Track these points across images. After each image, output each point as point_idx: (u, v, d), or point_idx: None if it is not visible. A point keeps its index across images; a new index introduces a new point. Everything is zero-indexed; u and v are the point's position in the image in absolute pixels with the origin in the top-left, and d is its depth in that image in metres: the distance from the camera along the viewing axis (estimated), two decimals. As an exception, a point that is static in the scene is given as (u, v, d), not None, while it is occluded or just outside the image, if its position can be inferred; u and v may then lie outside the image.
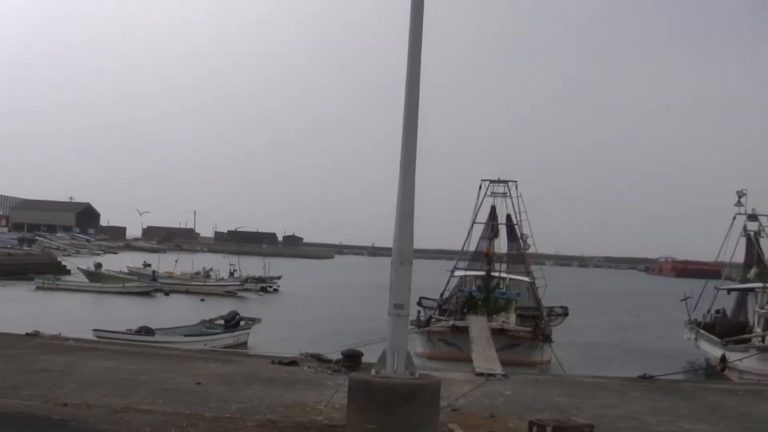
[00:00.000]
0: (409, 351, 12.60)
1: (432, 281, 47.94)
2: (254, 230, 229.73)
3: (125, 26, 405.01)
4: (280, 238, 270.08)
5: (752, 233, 50.27)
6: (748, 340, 40.02)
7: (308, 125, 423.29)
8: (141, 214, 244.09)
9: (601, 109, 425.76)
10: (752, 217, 50.03)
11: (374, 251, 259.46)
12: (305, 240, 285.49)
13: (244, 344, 40.24)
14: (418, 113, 12.74)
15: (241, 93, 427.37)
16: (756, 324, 42.33)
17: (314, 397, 15.71)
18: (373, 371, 12.47)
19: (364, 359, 19.32)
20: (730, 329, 43.98)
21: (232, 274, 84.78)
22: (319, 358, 21.20)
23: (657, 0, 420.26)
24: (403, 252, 12.52)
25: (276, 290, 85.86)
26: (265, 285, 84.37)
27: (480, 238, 48.19)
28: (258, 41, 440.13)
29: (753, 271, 48.98)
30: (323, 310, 64.64)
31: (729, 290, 49.68)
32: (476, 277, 45.21)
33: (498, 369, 22.88)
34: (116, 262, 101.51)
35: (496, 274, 44.90)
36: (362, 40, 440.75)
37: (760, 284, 44.15)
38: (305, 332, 45.81)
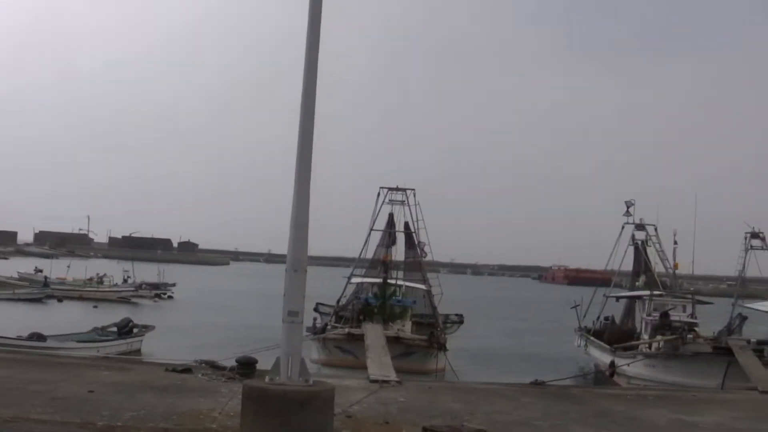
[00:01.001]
0: (304, 358, 12.63)
1: (329, 288, 47.93)
2: (149, 236, 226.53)
3: None
4: (175, 244, 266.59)
5: (640, 242, 51.65)
6: (636, 346, 41.07)
7: (196, 127, 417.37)
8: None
9: (500, 117, 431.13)
10: (640, 227, 51.41)
11: (270, 258, 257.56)
12: (201, 246, 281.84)
13: (138, 351, 39.66)
14: (314, 122, 12.79)
15: (144, 93, 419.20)
16: (643, 331, 43.46)
17: (208, 405, 15.58)
18: (267, 378, 12.46)
19: (258, 366, 19.26)
20: (618, 336, 45.08)
21: (125, 280, 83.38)
22: (213, 366, 21.04)
23: (545, 17, 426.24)
24: (298, 259, 12.55)
25: (170, 297, 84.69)
26: (159, 291, 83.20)
27: (377, 246, 48.32)
28: (140, 38, 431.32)
29: (641, 279, 50.30)
30: (218, 317, 64.07)
31: (618, 297, 50.88)
32: (373, 284, 45.32)
33: (392, 376, 23.00)
34: (6, 268, 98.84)
35: (393, 281, 45.09)
36: (259, 39, 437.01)
37: (648, 292, 45.36)
38: (199, 339, 45.34)
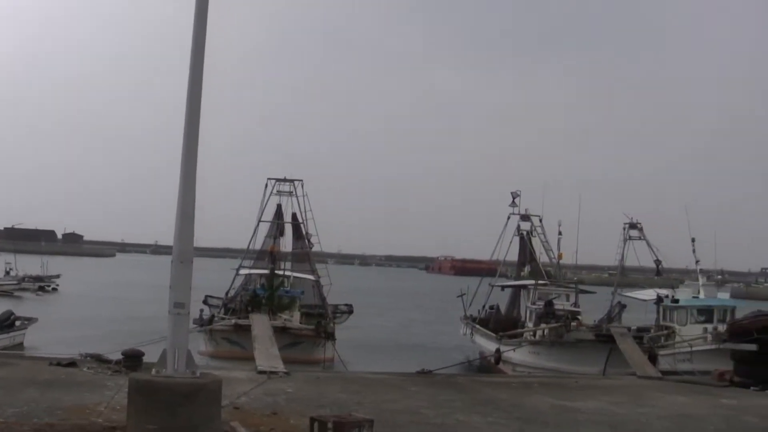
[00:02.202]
0: (191, 350, 12.55)
1: (218, 280, 47.54)
2: (32, 227, 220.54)
3: None
4: (59, 236, 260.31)
5: (525, 233, 52.66)
6: (521, 334, 41.92)
7: (80, 117, 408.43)
8: None
9: (385, 107, 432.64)
10: (525, 218, 52.42)
11: (157, 249, 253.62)
12: (86, 238, 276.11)
13: (20, 345, 38.73)
14: (200, 113, 12.71)
15: (26, 81, 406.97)
16: (528, 319, 44.41)
17: (94, 399, 15.39)
18: (153, 371, 12.35)
19: (145, 359, 19.06)
20: (503, 324, 45.97)
21: (8, 272, 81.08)
22: (99, 359, 20.75)
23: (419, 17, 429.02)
24: (184, 251, 12.47)
25: (55, 289, 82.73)
26: (43, 284, 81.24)
27: (266, 237, 48.06)
28: (22, 25, 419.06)
29: (526, 269, 51.32)
30: (103, 309, 62.90)
31: (503, 287, 51.78)
32: (261, 275, 45.13)
33: (280, 367, 23.02)
34: None
35: (281, 272, 44.96)
36: (146, 27, 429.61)
37: (532, 281, 46.30)
38: (85, 332, 44.42)
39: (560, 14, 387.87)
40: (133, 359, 19.28)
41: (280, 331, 34.41)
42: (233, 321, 38.32)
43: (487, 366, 41.72)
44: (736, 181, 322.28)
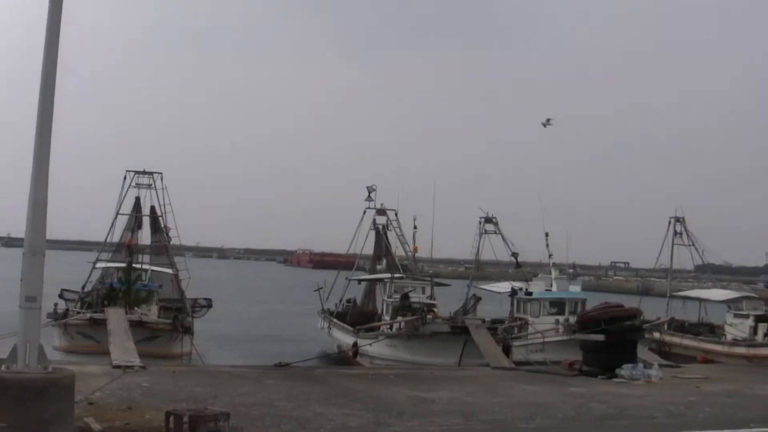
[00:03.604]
0: (43, 345, 12.32)
1: (74, 273, 46.52)
2: None
3: None
4: None
5: (381, 226, 53.24)
6: (378, 327, 42.41)
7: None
8: None
9: (252, 104, 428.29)
10: (381, 212, 52.99)
11: (10, 242, 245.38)
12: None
13: None
14: (53, 101, 12.50)
15: None
16: (384, 312, 44.97)
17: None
18: (3, 367, 12.08)
19: (-5, 355, 18.58)
20: (360, 317, 46.43)
21: None
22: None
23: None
24: (35, 243, 12.22)
25: None
26: None
27: (123, 230, 47.21)
28: None
29: (383, 262, 51.90)
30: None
31: (359, 280, 52.27)
32: (118, 268, 44.37)
33: (136, 361, 22.77)
34: None
35: (138, 265, 44.30)
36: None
37: (388, 275, 46.87)
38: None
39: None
40: (-18, 355, 18.78)
41: (137, 325, 33.92)
42: (88, 315, 37.58)
43: (345, 359, 42.07)
44: (588, 180, 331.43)
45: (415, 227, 50.27)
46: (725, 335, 45.79)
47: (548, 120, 53.13)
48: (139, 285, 42.41)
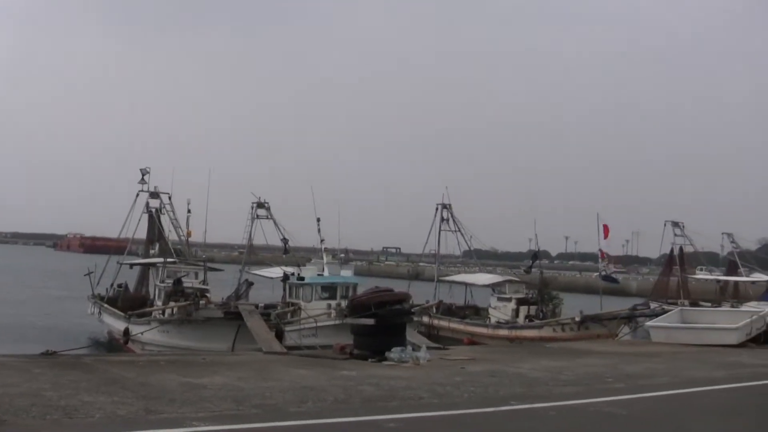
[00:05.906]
0: None
1: None
2: None
3: None
4: None
5: (154, 210, 52.44)
6: (150, 313, 41.83)
7: None
8: None
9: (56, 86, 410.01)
10: (154, 195, 52.19)
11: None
12: None
13: None
14: None
15: None
16: (157, 297, 44.36)
17: None
18: None
19: None
20: (132, 303, 45.68)
21: None
22: None
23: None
24: None
25: None
26: None
27: None
28: None
29: (156, 246, 51.13)
30: None
31: (131, 265, 51.31)
32: None
33: None
34: None
35: None
36: None
37: (161, 259, 46.29)
38: None
39: None
40: None
41: None
42: None
43: (116, 345, 41.27)
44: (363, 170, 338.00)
45: (189, 211, 49.85)
46: (489, 318, 48.02)
47: None
48: None
